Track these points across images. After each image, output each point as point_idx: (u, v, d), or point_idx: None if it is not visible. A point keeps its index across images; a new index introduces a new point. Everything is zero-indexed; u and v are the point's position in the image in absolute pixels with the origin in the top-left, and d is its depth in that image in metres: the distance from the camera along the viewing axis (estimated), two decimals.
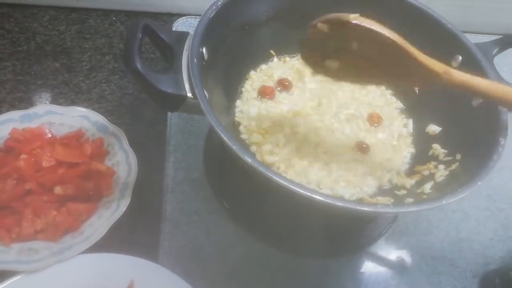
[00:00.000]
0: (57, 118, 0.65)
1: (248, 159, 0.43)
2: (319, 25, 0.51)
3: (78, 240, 0.54)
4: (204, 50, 0.52)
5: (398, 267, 0.62)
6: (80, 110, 0.67)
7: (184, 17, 0.87)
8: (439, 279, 0.62)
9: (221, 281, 0.57)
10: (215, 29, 0.55)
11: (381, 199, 0.56)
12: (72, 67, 0.78)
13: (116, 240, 0.55)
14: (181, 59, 0.51)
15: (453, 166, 0.54)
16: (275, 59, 0.68)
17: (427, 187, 0.54)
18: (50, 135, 0.64)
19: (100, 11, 0.88)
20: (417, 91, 0.65)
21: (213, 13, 0.54)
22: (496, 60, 0.61)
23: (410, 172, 0.60)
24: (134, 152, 0.62)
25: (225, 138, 0.44)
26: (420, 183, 0.56)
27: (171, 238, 0.59)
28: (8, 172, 0.58)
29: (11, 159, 0.59)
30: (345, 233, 0.65)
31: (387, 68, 0.51)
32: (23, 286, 0.51)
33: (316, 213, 0.56)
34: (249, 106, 0.63)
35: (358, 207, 0.43)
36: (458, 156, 0.55)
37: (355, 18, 0.49)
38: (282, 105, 0.63)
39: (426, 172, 0.57)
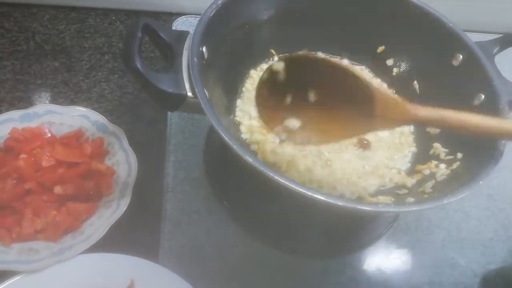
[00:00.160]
0: (57, 118, 0.65)
1: (249, 158, 0.43)
2: (275, 65, 0.49)
3: (78, 240, 0.54)
4: (204, 49, 0.52)
5: (399, 267, 0.62)
6: (80, 110, 0.67)
7: (184, 16, 0.87)
8: (440, 279, 0.62)
9: (221, 281, 0.57)
10: (215, 28, 0.55)
11: (382, 198, 0.56)
12: (72, 67, 0.78)
13: (116, 240, 0.55)
14: (181, 58, 0.51)
15: (454, 165, 0.54)
16: (276, 58, 0.68)
17: (428, 186, 0.53)
18: (49, 135, 0.63)
19: (99, 10, 0.88)
20: (418, 91, 0.65)
21: (213, 12, 0.54)
22: (497, 59, 0.61)
23: (411, 171, 0.60)
24: (134, 152, 0.62)
25: (226, 138, 0.44)
26: (421, 183, 0.56)
27: (171, 237, 0.59)
28: (8, 172, 0.58)
29: (11, 159, 0.59)
30: (345, 232, 0.65)
31: (351, 115, 0.48)
32: (23, 286, 0.51)
33: (317, 213, 0.56)
34: (250, 106, 0.62)
35: (359, 207, 0.43)
36: (459, 155, 0.55)
37: (310, 52, 0.47)
38: None
39: (427, 172, 0.57)
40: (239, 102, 0.63)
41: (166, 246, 0.58)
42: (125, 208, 0.57)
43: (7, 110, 0.67)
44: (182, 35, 0.53)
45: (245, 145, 0.59)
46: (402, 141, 0.63)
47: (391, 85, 0.69)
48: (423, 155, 0.60)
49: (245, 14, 0.61)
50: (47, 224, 0.55)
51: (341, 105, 0.48)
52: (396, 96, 0.49)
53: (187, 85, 0.49)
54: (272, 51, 0.68)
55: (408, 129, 0.64)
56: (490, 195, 0.71)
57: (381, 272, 0.61)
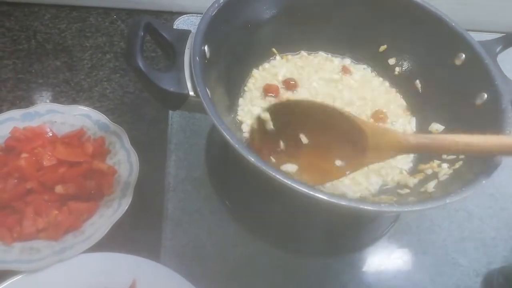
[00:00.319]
0: (58, 117, 0.65)
1: (251, 158, 0.43)
2: (262, 115, 0.51)
3: (80, 239, 0.54)
4: (206, 48, 0.52)
5: (400, 267, 0.62)
6: (82, 109, 0.67)
7: (185, 15, 0.87)
8: (442, 279, 0.62)
9: (222, 280, 0.57)
10: (217, 27, 0.54)
11: (384, 198, 0.56)
12: (73, 66, 0.78)
13: (118, 239, 0.55)
14: (183, 57, 0.51)
15: (457, 165, 0.54)
16: (278, 57, 0.68)
17: (431, 186, 0.53)
18: (51, 134, 0.63)
19: (101, 9, 0.88)
20: (420, 90, 0.65)
21: (215, 11, 0.54)
22: (500, 58, 0.61)
23: (413, 171, 0.59)
24: (135, 151, 0.62)
25: (228, 137, 0.44)
26: (423, 182, 0.55)
27: (172, 237, 0.59)
28: (9, 171, 0.58)
29: (12, 158, 0.59)
30: (347, 232, 0.65)
31: (345, 152, 0.49)
32: (24, 286, 0.51)
33: (319, 212, 0.56)
34: (252, 105, 0.62)
35: (362, 206, 0.43)
36: (462, 155, 0.55)
37: (291, 99, 0.50)
38: None
39: (430, 171, 0.57)
40: (241, 101, 0.63)
41: (167, 245, 0.58)
42: (126, 208, 0.57)
43: (9, 109, 0.67)
44: (184, 34, 0.53)
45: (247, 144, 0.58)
46: None
47: (393, 84, 0.68)
48: (425, 155, 0.60)
49: (247, 13, 0.61)
50: (49, 223, 0.55)
51: (334, 143, 0.50)
52: (386, 127, 0.50)
53: (189, 84, 0.49)
54: (274, 50, 0.68)
55: (410, 128, 0.64)
56: (492, 194, 0.71)
57: (382, 272, 0.61)
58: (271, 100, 0.63)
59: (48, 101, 0.72)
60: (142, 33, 0.48)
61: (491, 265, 0.64)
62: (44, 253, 0.53)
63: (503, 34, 0.64)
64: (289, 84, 0.65)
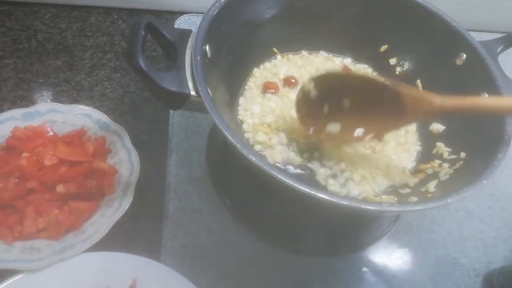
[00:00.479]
0: (59, 116, 0.65)
1: (252, 157, 0.43)
2: (306, 85, 0.55)
3: (80, 239, 0.54)
4: (207, 47, 0.52)
5: (401, 266, 0.62)
6: (82, 108, 0.67)
7: (185, 15, 0.87)
8: (442, 278, 0.62)
9: (223, 280, 0.57)
10: (219, 26, 0.55)
11: (385, 197, 0.56)
12: (74, 65, 0.78)
13: (118, 239, 0.55)
14: (184, 57, 0.51)
15: (458, 165, 0.54)
16: (279, 56, 0.68)
17: (432, 185, 0.53)
18: (52, 134, 0.63)
19: (101, 8, 0.88)
20: (421, 90, 0.65)
21: (217, 11, 0.54)
22: (500, 58, 0.61)
23: (414, 171, 0.59)
24: (136, 151, 0.62)
25: (229, 136, 0.44)
26: (424, 182, 0.55)
27: (173, 236, 0.59)
28: (10, 171, 0.58)
29: (13, 158, 0.59)
30: (347, 232, 0.65)
31: (384, 115, 0.53)
32: (25, 285, 0.51)
33: (319, 212, 0.56)
34: (252, 104, 0.62)
35: (363, 206, 0.43)
36: (463, 155, 0.55)
37: (335, 70, 0.54)
38: (286, 98, 0.63)
39: (430, 171, 0.57)
40: (241, 100, 0.63)
41: (168, 245, 0.58)
42: (127, 207, 0.57)
43: (9, 108, 0.67)
44: (185, 34, 0.53)
45: (248, 144, 0.58)
46: (408, 140, 0.63)
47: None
48: (426, 155, 0.60)
49: (248, 12, 0.61)
50: (49, 222, 0.55)
51: (373, 107, 0.52)
52: (422, 92, 0.53)
53: (190, 84, 0.49)
54: (275, 49, 0.68)
55: (411, 127, 0.64)
56: (492, 194, 0.71)
57: (383, 272, 0.61)
58: (271, 97, 0.63)
59: (49, 100, 0.72)
60: (143, 33, 0.48)
61: (491, 265, 0.64)
62: (44, 252, 0.53)
63: (504, 34, 0.64)
64: (290, 82, 0.65)
